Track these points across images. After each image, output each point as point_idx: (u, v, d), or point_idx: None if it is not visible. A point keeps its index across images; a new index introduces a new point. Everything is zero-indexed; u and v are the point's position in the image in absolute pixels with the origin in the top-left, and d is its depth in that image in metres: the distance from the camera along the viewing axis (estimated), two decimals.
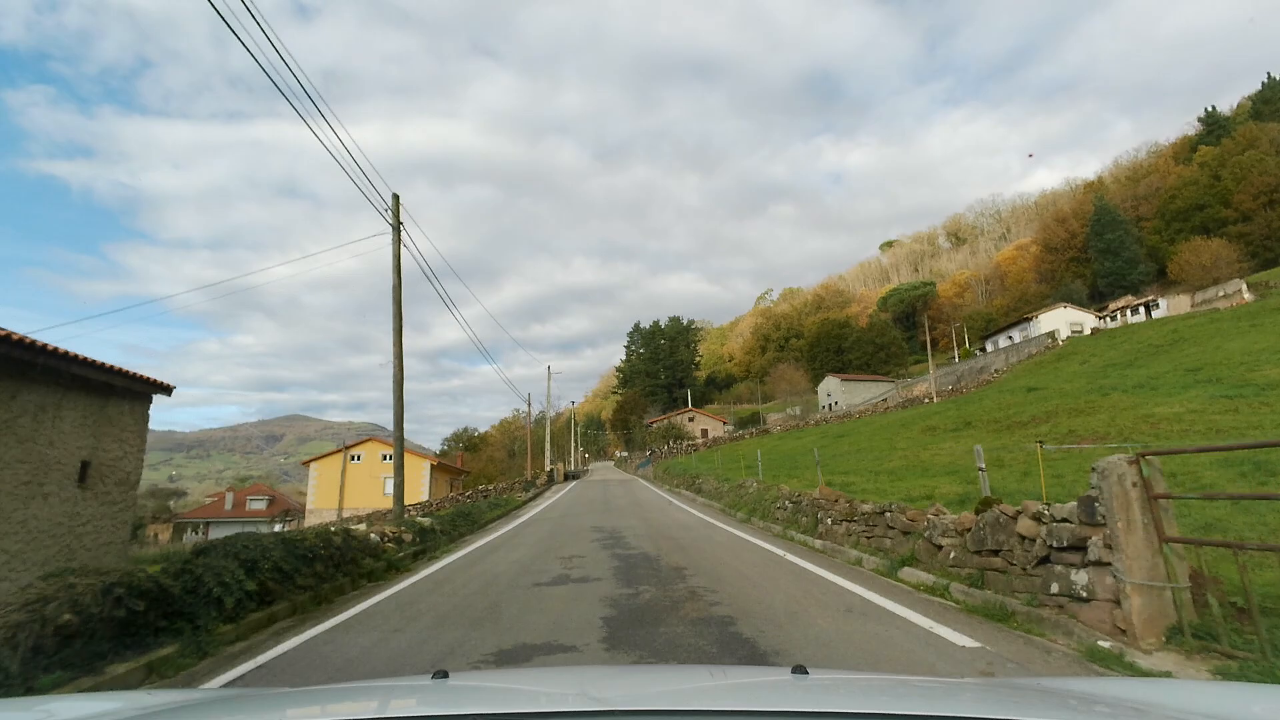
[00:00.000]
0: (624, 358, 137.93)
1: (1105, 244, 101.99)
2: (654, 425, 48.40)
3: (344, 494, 42.32)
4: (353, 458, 44.46)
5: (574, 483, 41.56)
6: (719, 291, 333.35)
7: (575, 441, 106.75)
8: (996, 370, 52.88)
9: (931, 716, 1.35)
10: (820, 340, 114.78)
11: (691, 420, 57.15)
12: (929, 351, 65.34)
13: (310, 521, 41.48)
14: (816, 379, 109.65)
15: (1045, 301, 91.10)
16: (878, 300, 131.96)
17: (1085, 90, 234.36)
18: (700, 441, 46.22)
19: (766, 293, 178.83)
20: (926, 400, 49.87)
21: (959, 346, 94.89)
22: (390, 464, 45.58)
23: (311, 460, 45.46)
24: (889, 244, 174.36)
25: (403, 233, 15.12)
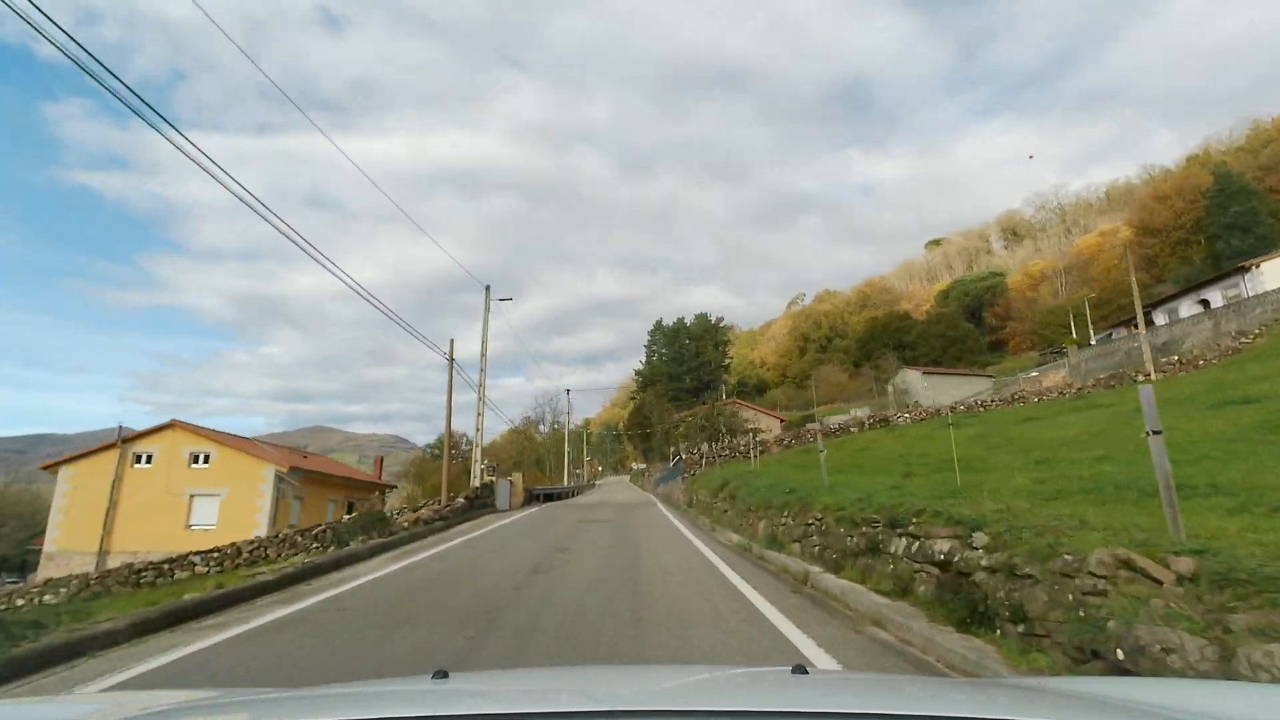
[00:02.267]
0: (643, 360, 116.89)
1: (1231, 219, 79.42)
2: (683, 420, 27.49)
3: (113, 523, 22.13)
4: (137, 458, 24.35)
5: (526, 514, 20.50)
6: (744, 305, 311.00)
7: (582, 448, 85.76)
8: (1250, 334, 31.01)
9: (931, 716, 1.24)
10: (875, 336, 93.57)
11: (734, 414, 36.26)
12: (1090, 328, 43.88)
13: (48, 574, 20.97)
14: (872, 379, 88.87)
15: (1167, 278, 70.28)
16: (935, 295, 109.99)
17: (1126, 99, 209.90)
18: (769, 439, 25.61)
19: (799, 297, 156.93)
20: (1139, 378, 28.99)
21: (1058, 334, 72.76)
22: (212, 468, 25.14)
23: (61, 462, 24.87)
24: (936, 242, 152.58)
25: None
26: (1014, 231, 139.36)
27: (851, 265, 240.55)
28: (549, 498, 28.93)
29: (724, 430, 24.27)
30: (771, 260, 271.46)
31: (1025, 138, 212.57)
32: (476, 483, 20.28)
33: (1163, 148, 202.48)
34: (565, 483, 43.52)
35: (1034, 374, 54.60)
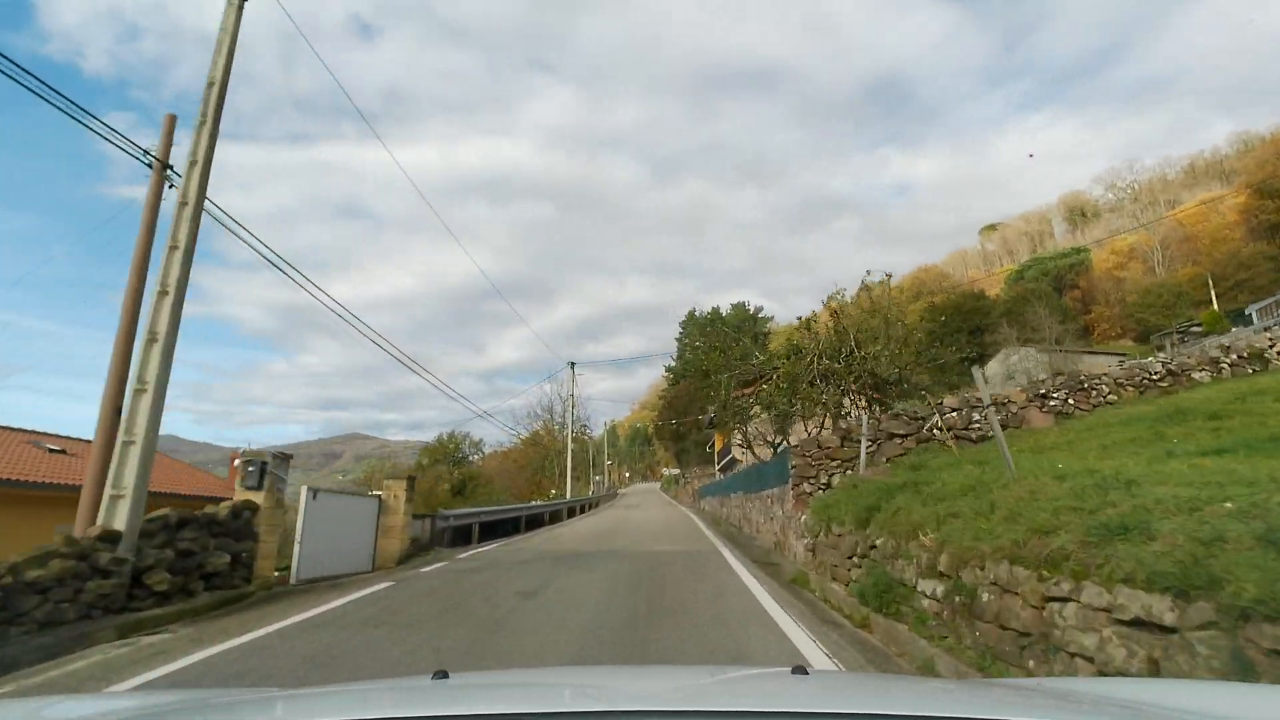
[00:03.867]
0: (674, 355, 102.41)
1: None
2: (781, 362, 12.20)
3: None
4: None
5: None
6: (777, 308, 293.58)
7: (603, 449, 71.40)
8: None
9: (931, 717, 1.18)
10: (947, 320, 77.12)
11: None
12: None
13: None
14: (941, 371, 72.71)
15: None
16: (1008, 276, 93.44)
17: (1179, 88, 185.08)
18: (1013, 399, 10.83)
19: (839, 292, 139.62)
20: None
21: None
22: None
23: None
24: (991, 227, 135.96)
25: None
26: (1082, 212, 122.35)
27: (888, 266, 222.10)
28: (492, 529, 14.32)
29: (875, 382, 9.86)
30: (805, 263, 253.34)
31: (1070, 133, 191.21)
32: (116, 519, 5.77)
33: (1220, 137, 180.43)
34: (569, 494, 29.16)
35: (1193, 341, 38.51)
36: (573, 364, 30.41)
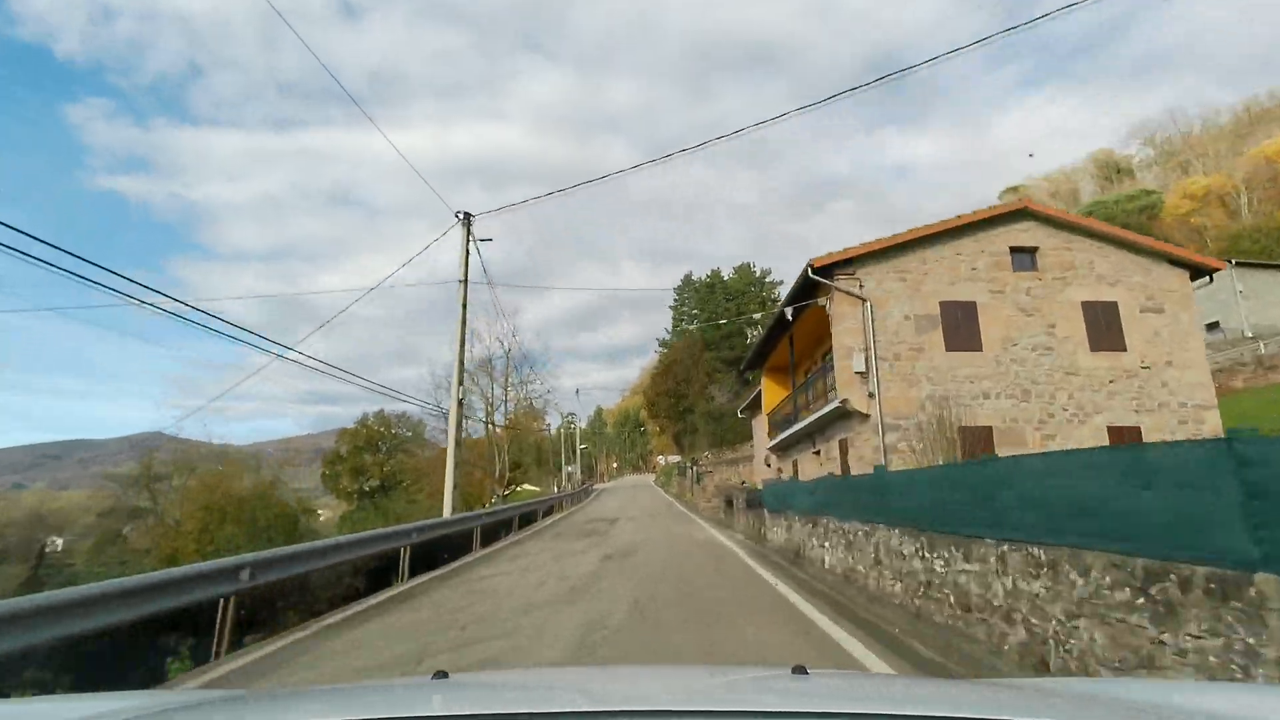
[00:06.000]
0: (669, 326, 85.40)
1: None
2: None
3: None
4: None
5: None
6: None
7: (576, 431, 54.75)
8: None
9: (931, 717, 1.16)
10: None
11: None
12: None
13: None
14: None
15: None
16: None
17: (1183, 64, 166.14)
18: None
19: None
20: None
21: None
22: None
23: None
24: (1013, 189, 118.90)
25: None
26: (1118, 168, 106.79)
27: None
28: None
29: None
30: (802, 247, 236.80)
31: (1072, 111, 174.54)
32: None
33: (1226, 109, 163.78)
34: (448, 508, 11.97)
35: None
36: (468, 215, 13.41)
